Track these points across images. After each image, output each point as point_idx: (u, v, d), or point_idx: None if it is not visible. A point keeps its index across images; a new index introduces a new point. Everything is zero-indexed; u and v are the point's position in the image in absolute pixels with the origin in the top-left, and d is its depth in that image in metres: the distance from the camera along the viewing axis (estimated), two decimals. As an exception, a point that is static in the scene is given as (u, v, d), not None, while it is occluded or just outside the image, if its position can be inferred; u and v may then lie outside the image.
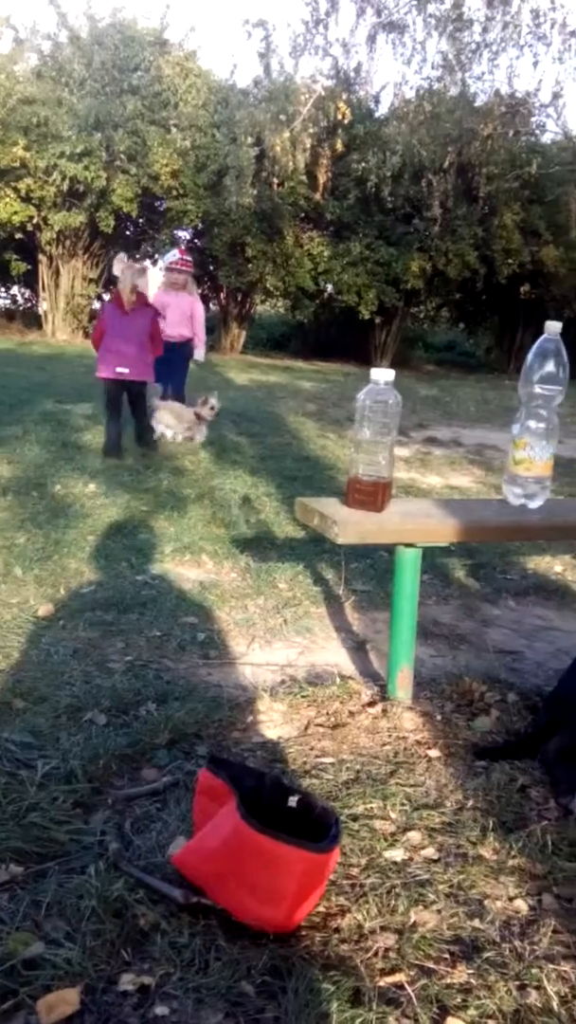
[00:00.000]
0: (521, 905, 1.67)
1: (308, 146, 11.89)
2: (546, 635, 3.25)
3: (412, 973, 1.46)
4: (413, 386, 13.49)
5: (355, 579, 3.66)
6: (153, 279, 7.23)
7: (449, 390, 13.85)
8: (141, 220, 17.11)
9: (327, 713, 2.41)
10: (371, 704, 2.48)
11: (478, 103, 14.59)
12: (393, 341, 18.54)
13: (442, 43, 13.05)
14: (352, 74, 14.78)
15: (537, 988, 1.45)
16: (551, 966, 1.50)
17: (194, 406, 6.87)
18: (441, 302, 20.31)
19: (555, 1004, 1.42)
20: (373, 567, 3.82)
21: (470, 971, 1.48)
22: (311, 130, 11.82)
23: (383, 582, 3.52)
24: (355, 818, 1.89)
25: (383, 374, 2.39)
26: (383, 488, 2.41)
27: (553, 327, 2.55)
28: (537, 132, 17.93)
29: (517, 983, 1.46)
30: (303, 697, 2.49)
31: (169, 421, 6.76)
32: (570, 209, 16.94)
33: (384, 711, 2.43)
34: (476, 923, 1.60)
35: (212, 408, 6.88)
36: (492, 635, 3.19)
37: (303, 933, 1.54)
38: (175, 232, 16.52)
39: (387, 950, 1.51)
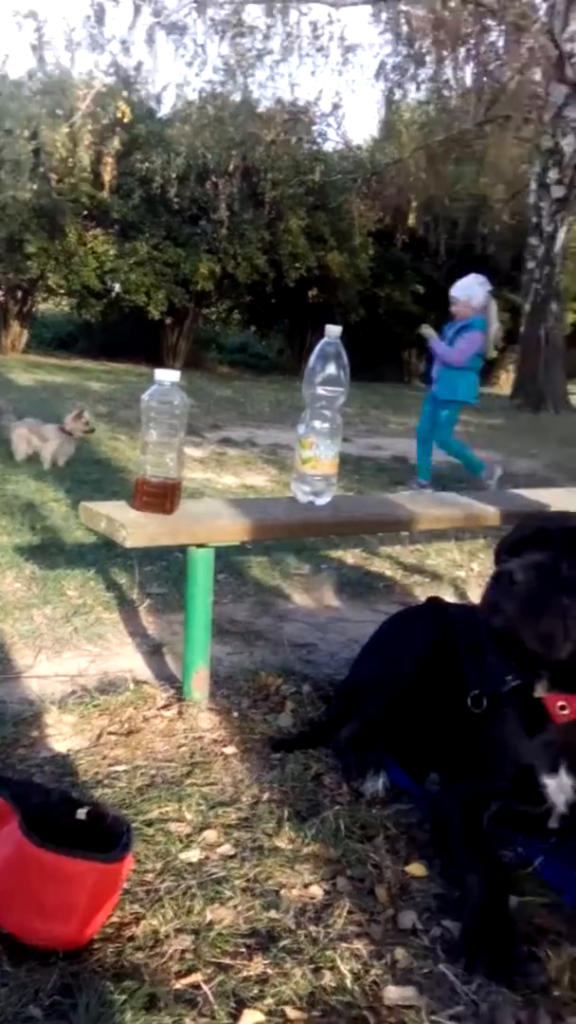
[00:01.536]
0: (316, 891, 1.71)
1: (88, 143, 11.69)
2: (338, 626, 3.36)
3: (208, 971, 1.46)
4: (207, 387, 13.56)
5: (149, 582, 3.62)
6: None
7: (243, 391, 14.04)
8: None
9: (120, 720, 2.36)
10: (166, 707, 2.45)
11: (261, 109, 14.92)
12: (185, 342, 18.56)
13: (223, 47, 13.23)
14: (132, 72, 14.65)
15: (331, 969, 1.49)
16: (344, 945, 1.55)
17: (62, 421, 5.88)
18: (232, 304, 20.59)
19: (348, 981, 1.47)
20: (168, 569, 3.79)
21: (266, 961, 1.50)
22: (91, 127, 11.62)
23: (178, 584, 3.50)
24: (150, 823, 1.87)
25: (167, 375, 2.38)
26: (172, 489, 2.39)
27: (333, 331, 2.63)
28: (319, 140, 18.63)
29: (312, 967, 1.49)
30: (95, 707, 2.42)
31: (33, 442, 5.81)
32: (353, 216, 17.72)
33: (180, 713, 2.41)
34: (272, 914, 1.63)
35: (86, 423, 5.89)
36: (287, 629, 3.26)
37: (95, 946, 1.49)
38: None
39: (183, 952, 1.50)
